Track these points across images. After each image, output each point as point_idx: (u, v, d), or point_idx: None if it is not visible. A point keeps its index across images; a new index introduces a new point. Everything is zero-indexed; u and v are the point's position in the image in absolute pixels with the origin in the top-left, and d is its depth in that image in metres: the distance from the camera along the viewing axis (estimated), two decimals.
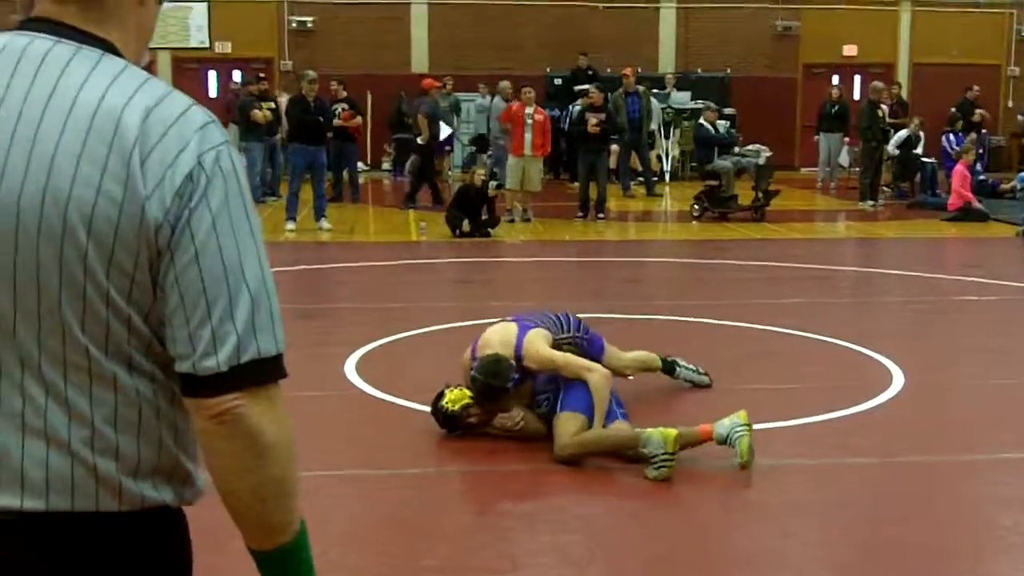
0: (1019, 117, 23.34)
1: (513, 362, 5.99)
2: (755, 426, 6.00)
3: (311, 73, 15.37)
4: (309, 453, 5.90)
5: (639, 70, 23.31)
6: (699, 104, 22.59)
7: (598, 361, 6.39)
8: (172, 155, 1.56)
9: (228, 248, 1.59)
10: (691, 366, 7.33)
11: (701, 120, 18.09)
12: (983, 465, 6.08)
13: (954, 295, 11.26)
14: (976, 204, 17.13)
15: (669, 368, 7.25)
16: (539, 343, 6.14)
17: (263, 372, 1.61)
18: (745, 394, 7.18)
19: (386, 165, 24.56)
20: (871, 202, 18.71)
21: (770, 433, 6.20)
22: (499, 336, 6.19)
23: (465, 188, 15.19)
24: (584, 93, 21.27)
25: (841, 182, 21.78)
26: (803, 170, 25.15)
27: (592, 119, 17.07)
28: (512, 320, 6.41)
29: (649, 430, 5.74)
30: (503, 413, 6.11)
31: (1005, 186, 19.89)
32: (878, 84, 19.82)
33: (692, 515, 5.47)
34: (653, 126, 21.90)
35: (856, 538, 5.11)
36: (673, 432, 5.67)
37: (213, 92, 25.06)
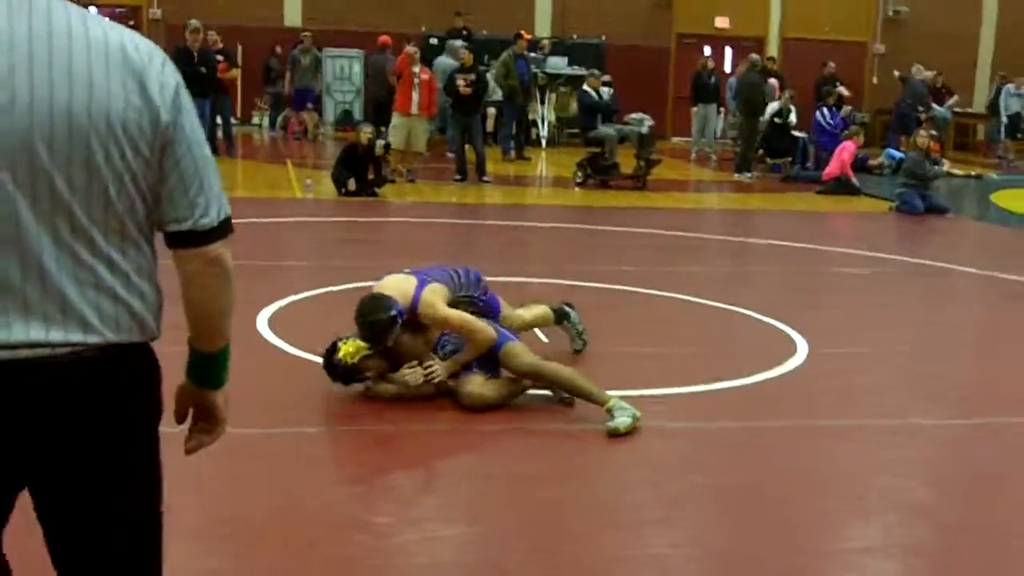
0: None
1: (404, 312, 5.89)
2: (666, 391, 6.23)
3: (194, 23, 14.99)
4: (249, 412, 5.74)
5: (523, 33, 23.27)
6: (576, 70, 22.64)
7: (495, 322, 6.34)
8: (160, 73, 2.18)
9: (201, 142, 2.24)
10: (580, 325, 7.23)
11: (584, 86, 18.09)
12: (879, 430, 6.14)
13: (839, 266, 11.53)
14: (852, 179, 17.57)
15: (561, 317, 7.18)
16: (437, 301, 6.02)
17: (229, 225, 2.31)
18: (647, 359, 7.24)
19: (256, 119, 24.10)
20: (748, 174, 19.03)
21: (684, 398, 6.30)
22: (396, 286, 6.03)
23: (351, 146, 14.91)
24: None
25: (716, 153, 22.09)
26: (674, 139, 25.47)
27: (461, 80, 16.96)
28: (411, 273, 6.24)
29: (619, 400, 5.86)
30: (407, 364, 5.96)
31: (873, 162, 20.44)
32: (755, 57, 20.13)
33: (571, 474, 5.41)
34: None
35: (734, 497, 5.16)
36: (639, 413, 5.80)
37: None
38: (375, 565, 4.27)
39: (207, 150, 2.28)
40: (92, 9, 1.76)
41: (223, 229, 2.28)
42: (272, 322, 7.59)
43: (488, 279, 6.78)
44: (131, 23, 19.67)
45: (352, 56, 23.75)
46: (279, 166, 18.15)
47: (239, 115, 23.52)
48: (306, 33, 22.39)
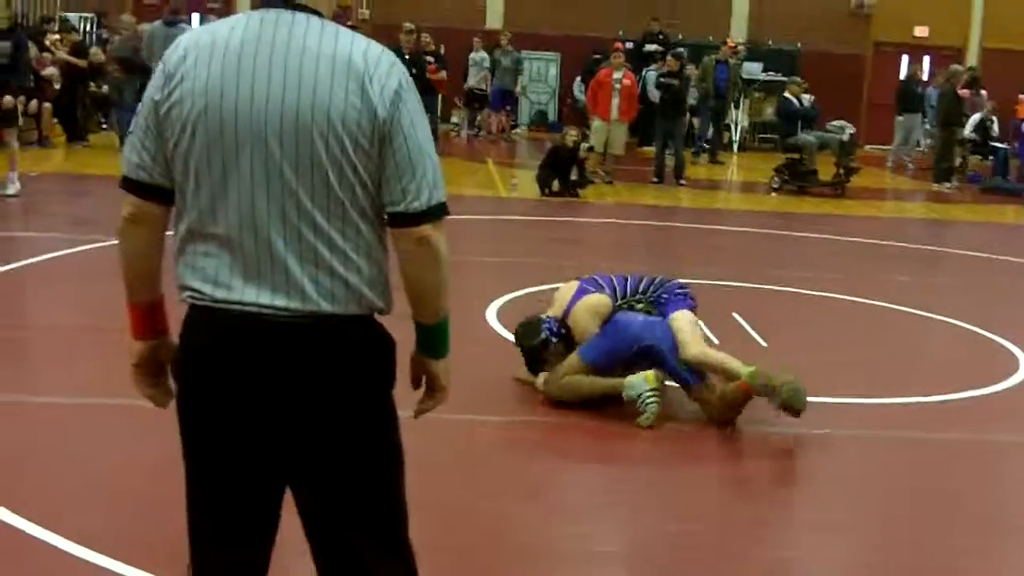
0: None
1: (555, 322, 6.24)
2: (883, 400, 6.30)
3: (409, 25, 15.57)
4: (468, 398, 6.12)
5: (711, 38, 23.45)
6: (771, 76, 22.68)
7: (662, 315, 6.25)
8: (385, 76, 2.47)
9: (421, 135, 2.51)
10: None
11: (786, 93, 18.14)
12: None
13: None
14: None
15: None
16: (585, 317, 6.22)
17: (442, 211, 2.54)
18: (856, 367, 7.34)
19: (455, 119, 24.71)
20: (947, 184, 18.80)
21: (893, 408, 6.40)
22: (560, 295, 6.44)
23: (556, 148, 15.35)
24: (654, 57, 21.45)
25: (913, 162, 21.79)
26: (867, 147, 25.17)
27: (664, 86, 17.39)
28: (578, 280, 6.49)
29: (630, 376, 5.91)
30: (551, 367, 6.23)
31: None
32: (957, 67, 19.85)
33: (742, 474, 5.60)
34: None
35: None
36: (652, 372, 5.87)
37: None
38: (587, 548, 4.55)
39: (426, 143, 2.52)
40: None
41: (433, 213, 2.52)
42: (500, 314, 7.99)
43: (684, 281, 6.72)
44: (348, 24, 20.38)
45: (549, 59, 24.21)
46: (480, 164, 18.70)
47: (440, 114, 24.21)
48: (506, 34, 22.90)
